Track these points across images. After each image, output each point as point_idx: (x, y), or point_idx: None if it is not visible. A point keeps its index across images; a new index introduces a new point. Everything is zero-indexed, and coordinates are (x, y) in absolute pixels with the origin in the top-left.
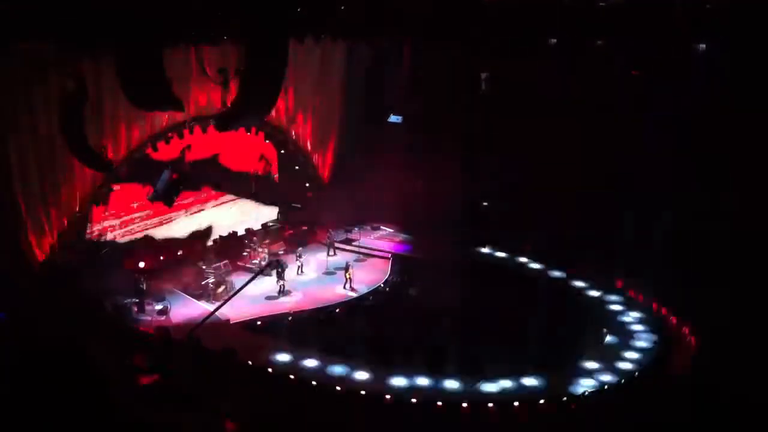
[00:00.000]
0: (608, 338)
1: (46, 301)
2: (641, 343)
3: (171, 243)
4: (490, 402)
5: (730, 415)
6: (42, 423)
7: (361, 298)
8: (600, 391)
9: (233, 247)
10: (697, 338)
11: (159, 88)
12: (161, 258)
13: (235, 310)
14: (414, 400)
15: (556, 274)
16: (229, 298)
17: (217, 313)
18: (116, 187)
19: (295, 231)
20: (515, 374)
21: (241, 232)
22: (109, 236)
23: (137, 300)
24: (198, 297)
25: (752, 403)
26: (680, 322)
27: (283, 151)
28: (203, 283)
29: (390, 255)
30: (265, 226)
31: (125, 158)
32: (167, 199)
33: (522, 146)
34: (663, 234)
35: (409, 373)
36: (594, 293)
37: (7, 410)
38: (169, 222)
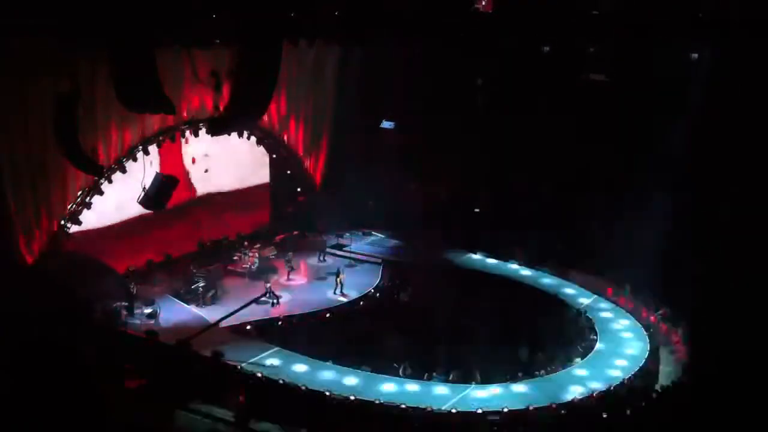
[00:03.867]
0: (598, 345)
1: (36, 304)
2: (631, 350)
3: None
4: (479, 408)
5: (722, 421)
6: (34, 423)
7: (352, 303)
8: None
9: (224, 250)
10: (687, 345)
11: (151, 90)
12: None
13: (225, 314)
14: (403, 406)
15: (547, 280)
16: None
17: (206, 317)
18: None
19: (286, 236)
20: (505, 380)
21: None
22: None
23: (127, 304)
24: (188, 301)
25: (745, 409)
26: (670, 329)
27: (275, 156)
28: (193, 286)
29: (381, 260)
30: (255, 230)
31: (116, 161)
32: (157, 202)
33: (516, 152)
34: (654, 240)
35: (399, 378)
36: (584, 300)
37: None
38: None
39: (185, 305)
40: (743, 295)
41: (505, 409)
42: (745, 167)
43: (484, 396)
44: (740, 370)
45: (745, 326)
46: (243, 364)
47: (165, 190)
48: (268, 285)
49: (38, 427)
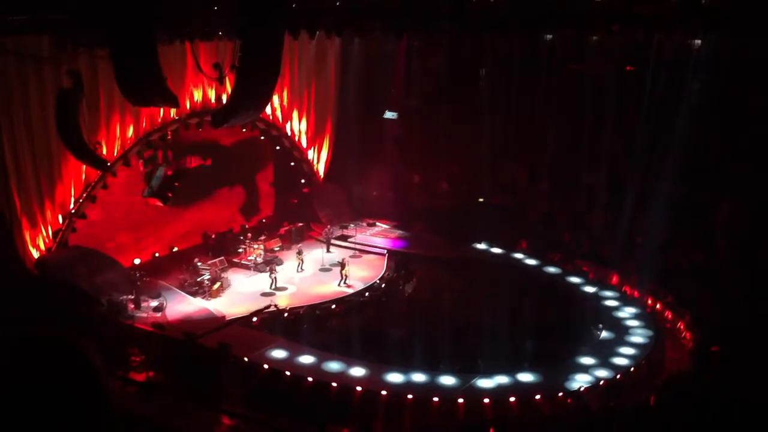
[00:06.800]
0: (603, 334)
1: (41, 298)
2: (637, 339)
3: None
4: (486, 398)
5: (728, 411)
6: (33, 418)
7: (357, 295)
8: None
9: (229, 243)
10: (693, 333)
11: (154, 83)
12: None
13: (230, 306)
14: (410, 396)
15: (552, 270)
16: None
17: (211, 309)
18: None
19: (291, 227)
20: (511, 370)
21: None
22: None
23: (133, 296)
24: (194, 294)
25: (750, 399)
26: (676, 317)
27: (278, 148)
28: (199, 279)
29: (386, 251)
30: (260, 222)
31: (120, 155)
32: (162, 195)
33: (518, 142)
34: (660, 229)
35: (405, 369)
36: (589, 289)
37: None
38: None
39: (191, 298)
40: (747, 282)
41: (511, 399)
42: (747, 158)
43: (490, 386)
44: (745, 357)
45: (749, 314)
46: None
47: (169, 184)
48: (274, 276)
49: (38, 424)
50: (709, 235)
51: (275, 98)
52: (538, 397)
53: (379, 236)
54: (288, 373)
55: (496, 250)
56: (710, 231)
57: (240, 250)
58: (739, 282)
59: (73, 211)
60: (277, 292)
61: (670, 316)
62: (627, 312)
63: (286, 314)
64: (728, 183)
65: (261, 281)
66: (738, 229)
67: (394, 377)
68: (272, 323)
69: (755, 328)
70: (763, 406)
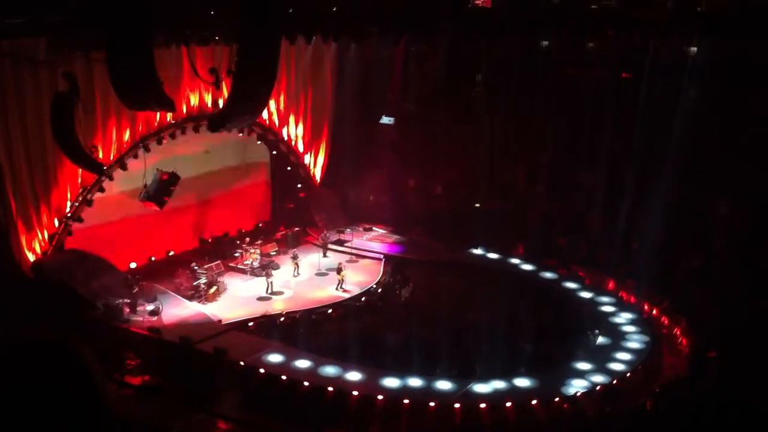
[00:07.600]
0: (600, 339)
1: (37, 302)
2: (633, 344)
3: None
4: (483, 403)
5: (725, 416)
6: (31, 419)
7: (354, 299)
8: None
9: (225, 247)
10: (690, 338)
11: (151, 88)
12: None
13: (226, 310)
14: (406, 401)
15: (548, 275)
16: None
17: (208, 313)
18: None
19: (287, 232)
20: (507, 375)
21: None
22: None
23: (129, 300)
24: (190, 297)
25: (748, 403)
26: (673, 323)
27: (275, 152)
28: (195, 283)
29: (382, 256)
30: (256, 226)
31: (117, 159)
32: (158, 199)
33: (516, 144)
34: (660, 230)
35: (401, 374)
36: (586, 294)
37: None
38: None
39: (187, 302)
40: (747, 282)
41: (508, 404)
42: (746, 158)
43: (486, 391)
44: (744, 358)
45: (748, 315)
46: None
47: (165, 188)
48: (270, 280)
49: (36, 424)
50: (708, 235)
51: (272, 103)
52: (534, 402)
53: (375, 241)
54: (284, 377)
55: (493, 255)
56: (710, 231)
57: (236, 254)
58: (739, 282)
59: (69, 214)
60: (274, 297)
61: (666, 322)
62: (623, 317)
63: (282, 319)
64: (728, 183)
65: (257, 285)
66: (738, 230)
67: (391, 382)
68: (268, 328)
69: (755, 328)
70: (763, 407)
